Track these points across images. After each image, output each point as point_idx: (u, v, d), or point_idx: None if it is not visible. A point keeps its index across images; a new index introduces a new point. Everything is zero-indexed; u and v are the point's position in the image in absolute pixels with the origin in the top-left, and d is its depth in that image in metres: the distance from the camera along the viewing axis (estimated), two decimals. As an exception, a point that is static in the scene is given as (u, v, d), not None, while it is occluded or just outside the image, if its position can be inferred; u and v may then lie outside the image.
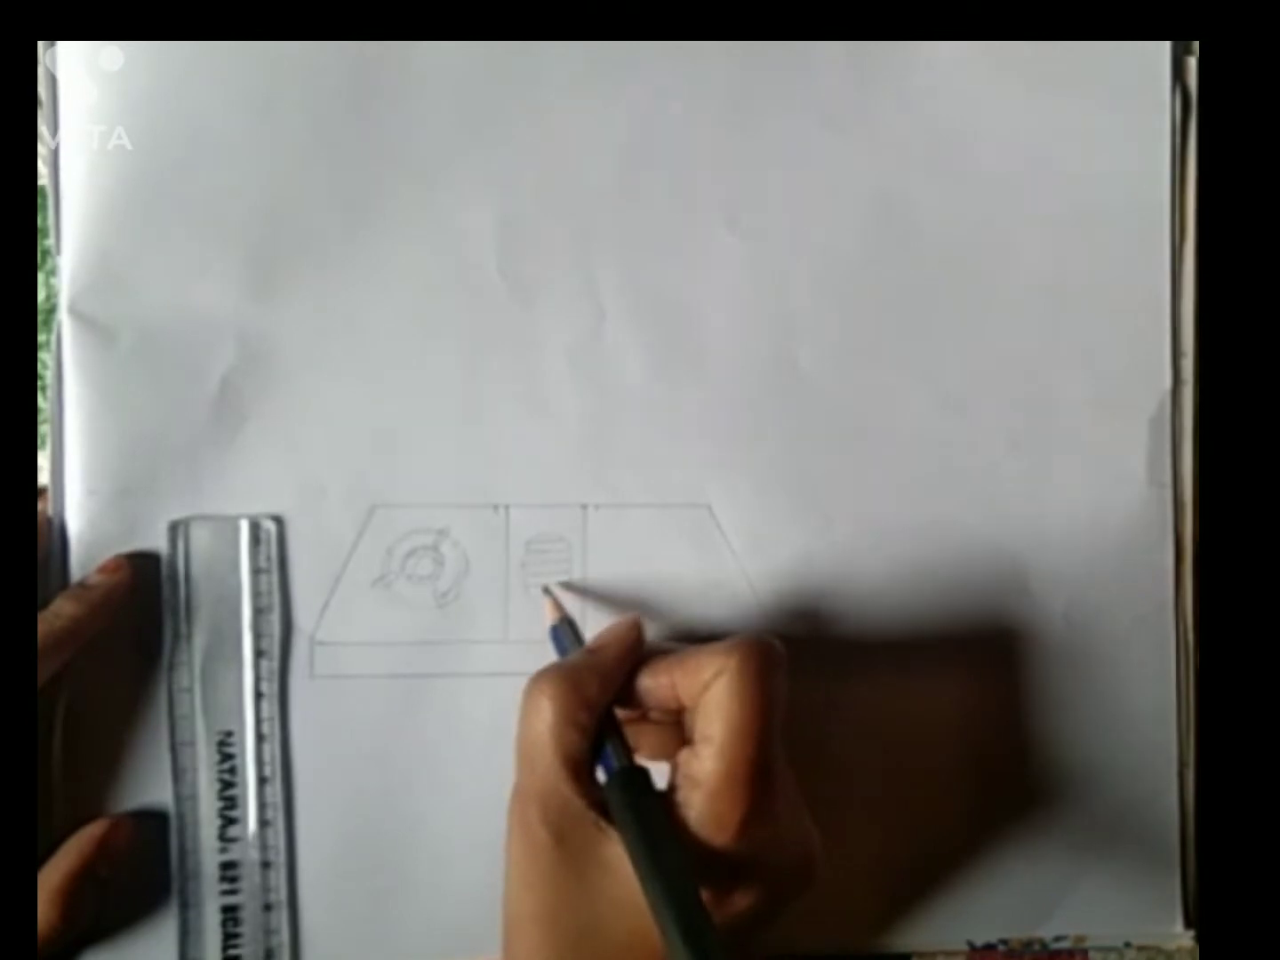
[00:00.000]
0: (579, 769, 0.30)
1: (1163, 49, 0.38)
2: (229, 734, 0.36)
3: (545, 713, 0.30)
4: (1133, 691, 0.37)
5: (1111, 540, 0.37)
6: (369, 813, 0.36)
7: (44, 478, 0.36)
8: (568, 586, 0.37)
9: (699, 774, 0.30)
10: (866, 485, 0.37)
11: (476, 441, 0.37)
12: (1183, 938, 0.37)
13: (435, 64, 0.36)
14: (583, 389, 0.37)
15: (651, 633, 0.37)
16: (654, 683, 0.32)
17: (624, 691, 0.32)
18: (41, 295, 0.37)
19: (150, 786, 0.36)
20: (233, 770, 0.36)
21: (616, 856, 0.29)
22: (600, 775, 0.31)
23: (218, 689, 0.36)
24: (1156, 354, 0.38)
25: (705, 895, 0.29)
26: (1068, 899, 0.37)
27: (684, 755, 0.31)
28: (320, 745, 0.36)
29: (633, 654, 0.32)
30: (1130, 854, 0.37)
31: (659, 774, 0.31)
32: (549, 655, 0.35)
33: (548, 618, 0.35)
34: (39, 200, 0.36)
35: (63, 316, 0.36)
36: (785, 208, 0.37)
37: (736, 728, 0.29)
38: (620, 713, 0.32)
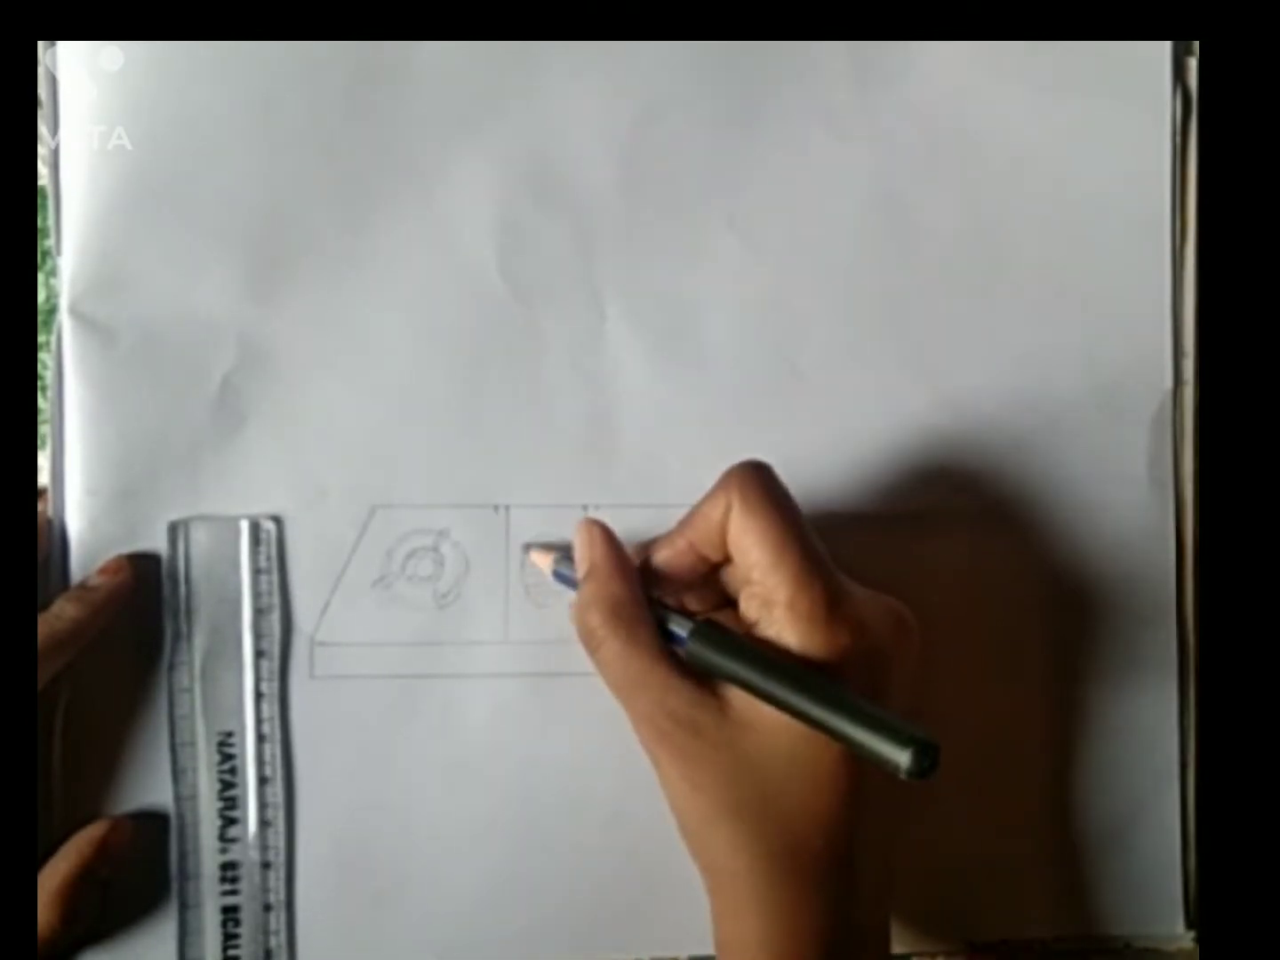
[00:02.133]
0: (670, 659, 0.30)
1: (1163, 49, 0.38)
2: (229, 734, 0.36)
3: (610, 639, 0.31)
4: (1133, 691, 0.37)
5: (1112, 540, 0.37)
6: (368, 813, 0.36)
7: (44, 478, 0.36)
8: (545, 546, 0.36)
9: (767, 595, 0.30)
10: (866, 486, 0.37)
11: (477, 442, 0.37)
12: (1183, 939, 0.37)
13: (435, 64, 0.36)
14: (583, 389, 0.37)
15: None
16: (671, 551, 0.32)
17: (647, 578, 0.32)
18: (42, 296, 0.37)
19: (150, 787, 0.36)
20: (233, 771, 0.36)
21: (748, 710, 0.29)
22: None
23: (218, 689, 0.36)
24: (1157, 354, 0.38)
25: None
26: (1068, 899, 0.37)
27: (743, 597, 0.31)
28: (320, 746, 0.36)
29: (613, 541, 0.32)
30: (1131, 854, 0.37)
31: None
32: (550, 656, 0.36)
33: (545, 570, 0.35)
34: (39, 200, 0.36)
35: (63, 317, 0.36)
36: (786, 208, 0.37)
37: (774, 538, 0.30)
38: None
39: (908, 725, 0.27)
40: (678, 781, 0.30)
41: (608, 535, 0.33)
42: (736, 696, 0.30)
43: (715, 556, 0.31)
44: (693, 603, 0.33)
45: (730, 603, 0.32)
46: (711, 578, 0.33)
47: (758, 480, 0.31)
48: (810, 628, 0.29)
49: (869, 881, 0.30)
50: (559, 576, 0.35)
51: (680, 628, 0.31)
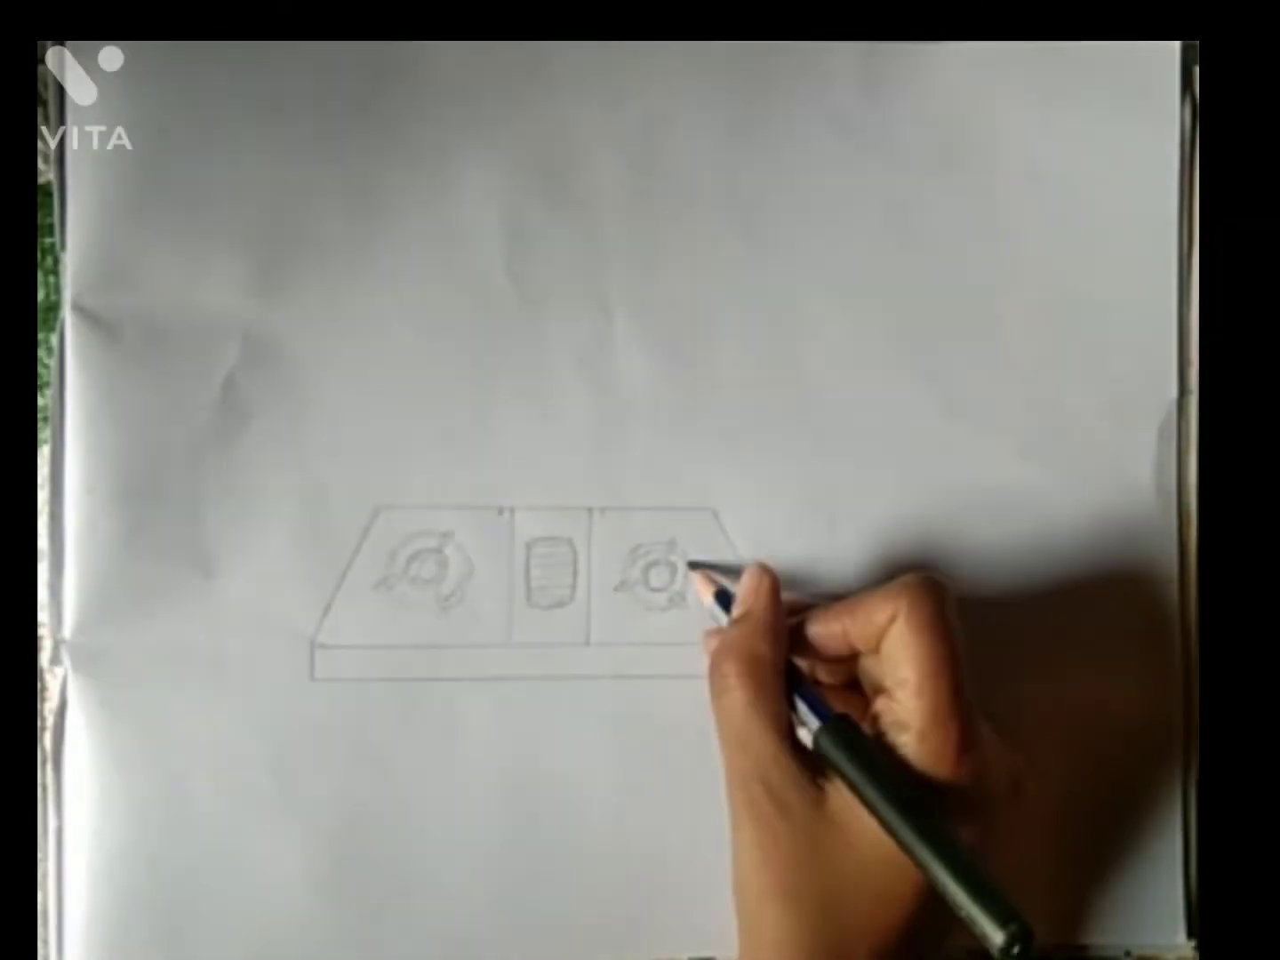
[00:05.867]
0: (787, 733, 0.31)
1: (1172, 59, 0.37)
2: (231, 735, 0.36)
3: (737, 691, 0.31)
4: (1136, 699, 0.37)
5: (1118, 548, 0.37)
6: (369, 817, 0.36)
7: (44, 475, 0.35)
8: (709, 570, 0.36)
9: (904, 717, 0.30)
10: (873, 491, 0.37)
11: (482, 444, 0.36)
12: (1184, 948, 0.37)
13: (442, 65, 0.36)
14: (589, 392, 0.37)
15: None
16: (825, 630, 0.32)
17: (794, 641, 0.32)
18: (44, 293, 0.36)
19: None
20: (235, 772, 0.36)
21: (844, 810, 0.29)
22: (802, 735, 0.31)
23: (220, 691, 0.36)
24: (1164, 363, 0.38)
25: None
26: (1068, 907, 0.37)
27: (881, 703, 0.31)
28: (321, 748, 0.36)
29: (777, 598, 0.33)
30: (1131, 862, 0.37)
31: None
32: (553, 660, 0.36)
33: (705, 594, 0.35)
34: (43, 198, 0.36)
35: (66, 314, 0.35)
36: (794, 212, 0.37)
37: (929, 665, 0.30)
38: None
39: (1012, 905, 0.27)
40: (750, 848, 0.30)
41: (774, 590, 0.33)
42: (837, 792, 0.30)
43: (865, 650, 0.32)
44: (821, 671, 0.34)
45: (852, 684, 0.33)
46: (850, 659, 0.33)
47: (932, 601, 0.31)
48: (934, 765, 0.29)
49: None
50: (720, 597, 0.35)
51: (811, 710, 0.31)
